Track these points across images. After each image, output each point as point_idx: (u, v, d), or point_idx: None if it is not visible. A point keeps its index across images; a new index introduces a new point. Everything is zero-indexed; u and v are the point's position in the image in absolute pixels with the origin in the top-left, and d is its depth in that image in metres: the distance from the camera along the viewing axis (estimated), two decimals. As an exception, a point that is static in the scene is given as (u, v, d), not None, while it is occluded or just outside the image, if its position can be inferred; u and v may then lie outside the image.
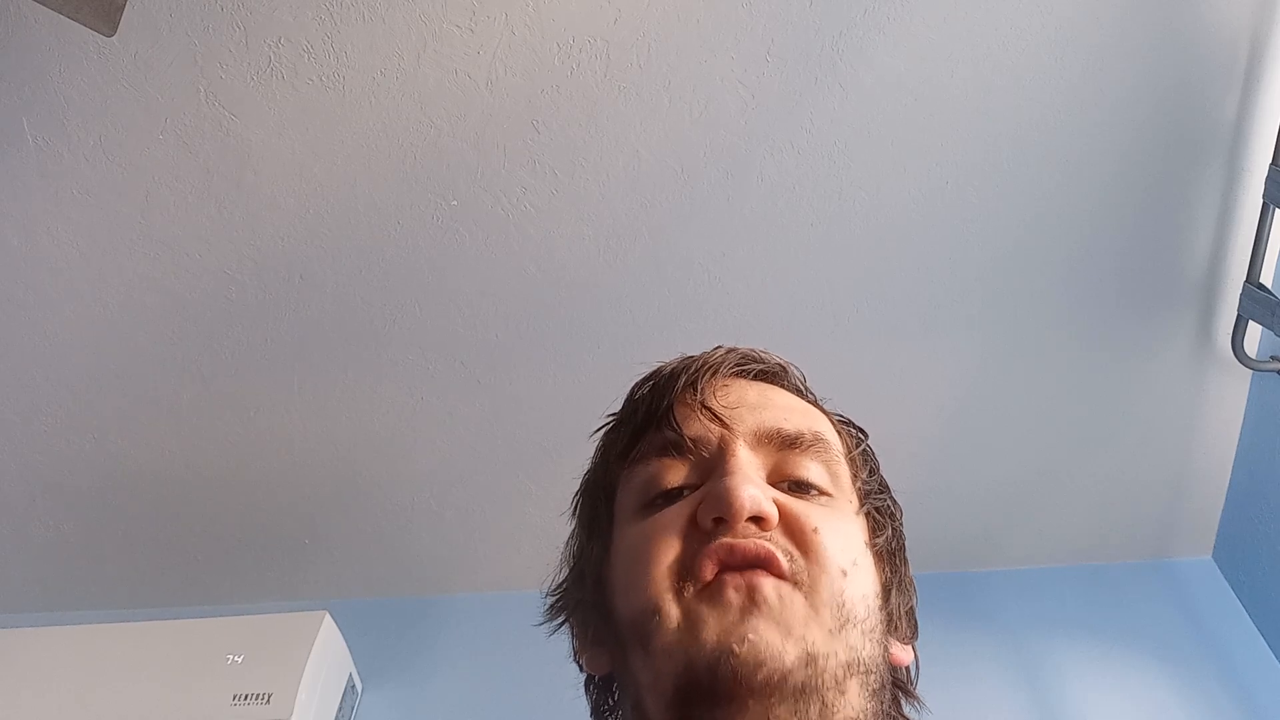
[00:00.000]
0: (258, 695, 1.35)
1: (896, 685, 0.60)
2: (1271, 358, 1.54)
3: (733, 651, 0.49)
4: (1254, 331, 1.53)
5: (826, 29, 1.30)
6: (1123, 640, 1.63)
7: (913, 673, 0.63)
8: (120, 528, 1.67)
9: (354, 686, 1.54)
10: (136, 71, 1.29)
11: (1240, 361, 1.53)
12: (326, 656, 1.45)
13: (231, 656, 1.40)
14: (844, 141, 1.37)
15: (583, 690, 0.68)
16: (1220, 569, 1.76)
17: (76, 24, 1.08)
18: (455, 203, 1.40)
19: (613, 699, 0.65)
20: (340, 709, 1.47)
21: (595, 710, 0.67)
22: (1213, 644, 1.62)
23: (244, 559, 1.71)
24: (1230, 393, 1.62)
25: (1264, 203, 1.40)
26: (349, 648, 1.53)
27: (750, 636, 0.50)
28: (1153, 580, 1.75)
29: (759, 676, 0.49)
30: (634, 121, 1.35)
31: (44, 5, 1.04)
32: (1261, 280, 1.45)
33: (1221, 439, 1.68)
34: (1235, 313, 1.51)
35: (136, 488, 1.63)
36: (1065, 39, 1.32)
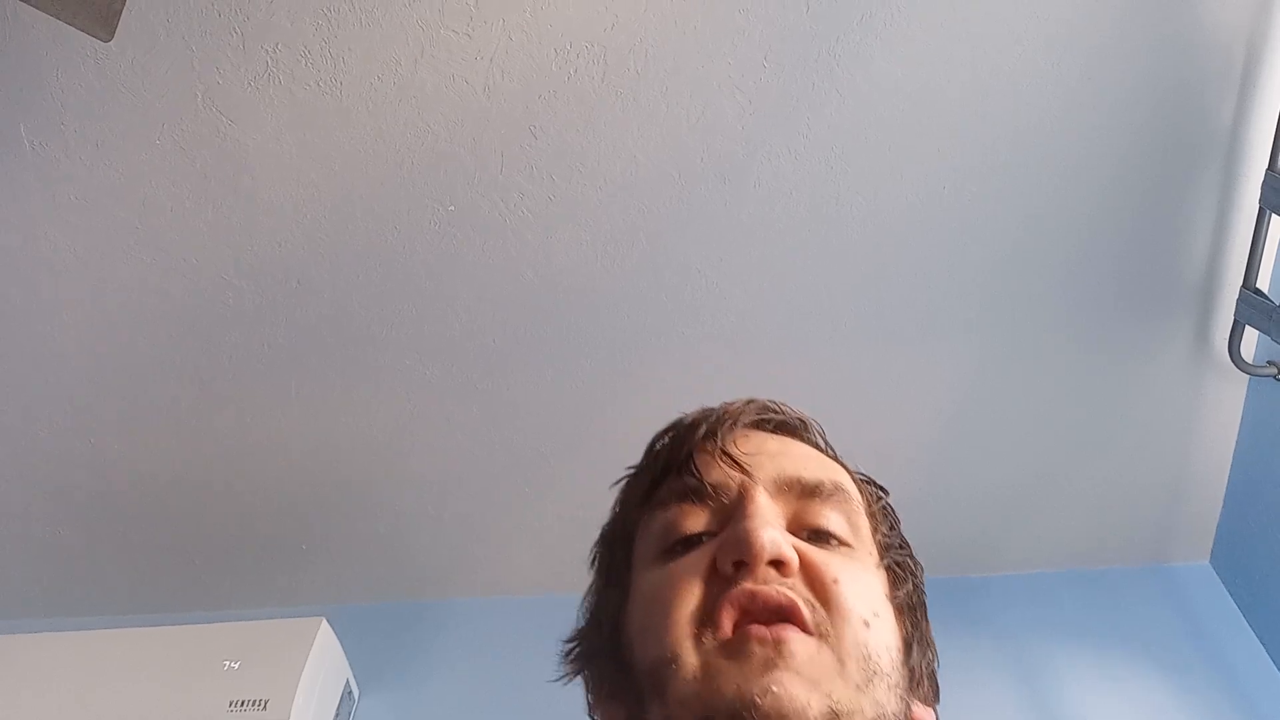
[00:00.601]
0: (254, 701, 1.35)
1: None
2: (1268, 363, 1.55)
3: (754, 704, 0.48)
4: (1251, 336, 1.53)
5: (823, 35, 1.30)
6: (1120, 645, 1.62)
7: None
8: (117, 532, 1.67)
9: (351, 692, 1.54)
10: (134, 76, 1.29)
11: (1237, 367, 1.53)
12: (323, 662, 1.45)
13: (228, 662, 1.40)
14: (841, 147, 1.37)
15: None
16: (1218, 574, 1.76)
17: (74, 29, 1.08)
18: (452, 208, 1.40)
19: None
20: (337, 715, 1.47)
21: None
22: (1210, 649, 1.62)
23: (241, 564, 1.71)
24: (1227, 398, 1.63)
25: (1260, 208, 1.40)
26: (346, 653, 1.52)
27: (774, 689, 0.48)
28: (1150, 585, 1.75)
29: None
30: (631, 127, 1.35)
31: (41, 10, 1.04)
32: (1258, 285, 1.45)
33: (1219, 444, 1.68)
34: (1232, 318, 1.51)
35: (134, 492, 1.63)
36: (1062, 44, 1.33)
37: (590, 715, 0.66)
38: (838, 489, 0.61)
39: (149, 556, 1.69)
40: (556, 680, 0.68)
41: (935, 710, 0.62)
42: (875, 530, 0.62)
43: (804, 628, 0.51)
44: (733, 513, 0.57)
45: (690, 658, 0.51)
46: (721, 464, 0.61)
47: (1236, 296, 1.48)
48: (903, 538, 0.66)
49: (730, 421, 0.64)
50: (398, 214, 1.40)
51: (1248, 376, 1.59)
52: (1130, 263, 1.50)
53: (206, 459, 1.60)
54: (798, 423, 0.68)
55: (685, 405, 0.69)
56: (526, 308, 1.48)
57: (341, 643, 1.51)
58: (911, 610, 0.61)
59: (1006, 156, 1.40)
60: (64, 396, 1.53)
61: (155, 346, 1.49)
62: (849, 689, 0.50)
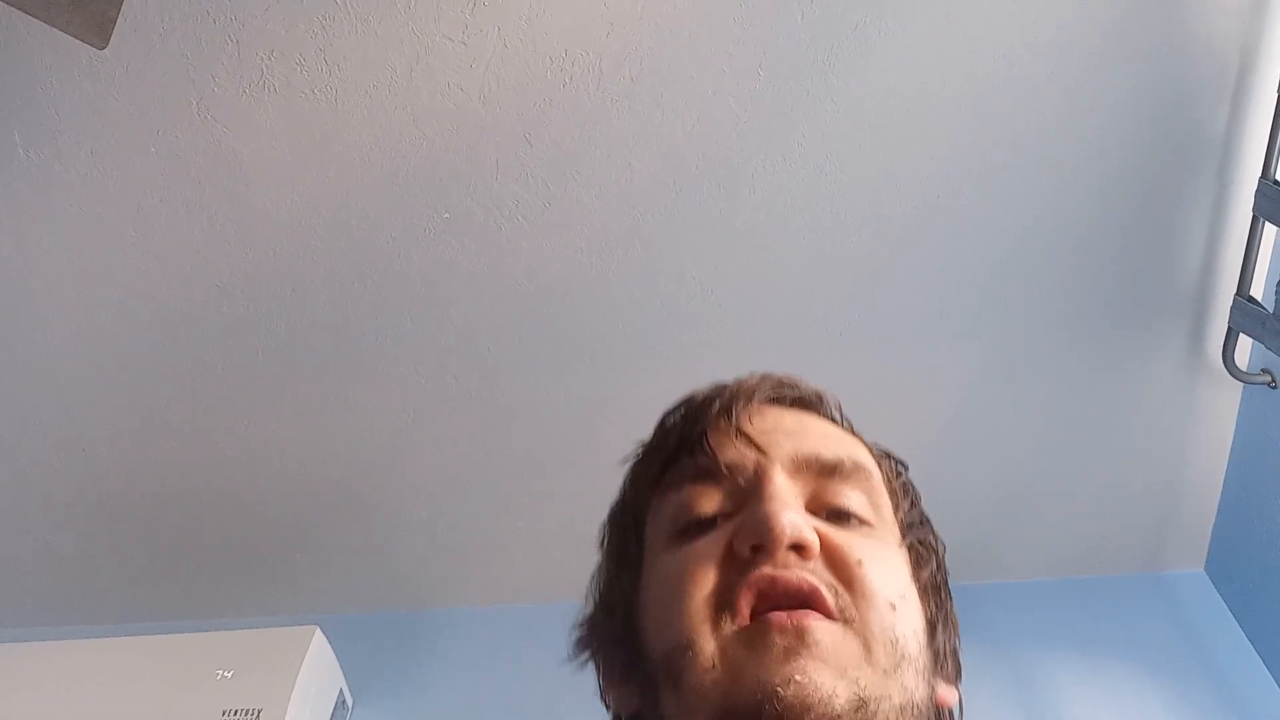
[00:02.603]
0: (248, 711, 1.34)
1: None
2: (1262, 370, 1.55)
3: (777, 694, 0.46)
4: (1244, 344, 1.54)
5: (818, 42, 1.30)
6: (1115, 652, 1.63)
7: (956, 716, 0.60)
8: (111, 541, 1.66)
9: (344, 702, 1.53)
10: (129, 84, 1.28)
11: (1231, 374, 1.54)
12: (317, 671, 1.44)
13: (221, 672, 1.39)
14: (836, 153, 1.38)
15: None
16: (1212, 581, 1.77)
17: (68, 36, 1.08)
18: (448, 215, 1.40)
19: None
20: (331, 724, 1.47)
21: None
22: (1204, 656, 1.62)
23: (234, 573, 1.70)
24: (1221, 405, 1.63)
25: (1254, 216, 1.41)
26: (340, 663, 1.52)
27: (797, 678, 0.46)
28: (1145, 592, 1.75)
29: None
30: (626, 134, 1.35)
31: (35, 17, 1.04)
32: (1251, 293, 1.46)
33: (1213, 451, 1.68)
34: (1226, 325, 1.51)
35: (127, 501, 1.62)
36: (1057, 53, 1.33)
37: (602, 699, 0.64)
38: (858, 467, 0.58)
39: (142, 565, 1.69)
40: (568, 664, 0.66)
41: (958, 688, 0.61)
42: (896, 508, 0.60)
43: (827, 613, 0.49)
44: (749, 494, 0.55)
45: (707, 645, 0.49)
46: (736, 443, 0.58)
47: (1230, 304, 1.49)
48: (924, 514, 0.64)
49: (745, 398, 0.61)
50: (393, 221, 1.40)
51: (1241, 384, 1.59)
52: (1124, 270, 1.50)
53: (199, 467, 1.60)
54: (814, 397, 0.65)
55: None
56: (522, 315, 1.48)
57: (335, 652, 1.51)
58: (936, 590, 0.60)
59: (1001, 164, 1.40)
60: (57, 404, 1.53)
61: (149, 354, 1.49)
62: (876, 675, 0.48)
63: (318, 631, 1.47)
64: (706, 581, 0.52)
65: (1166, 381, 1.60)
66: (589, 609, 0.66)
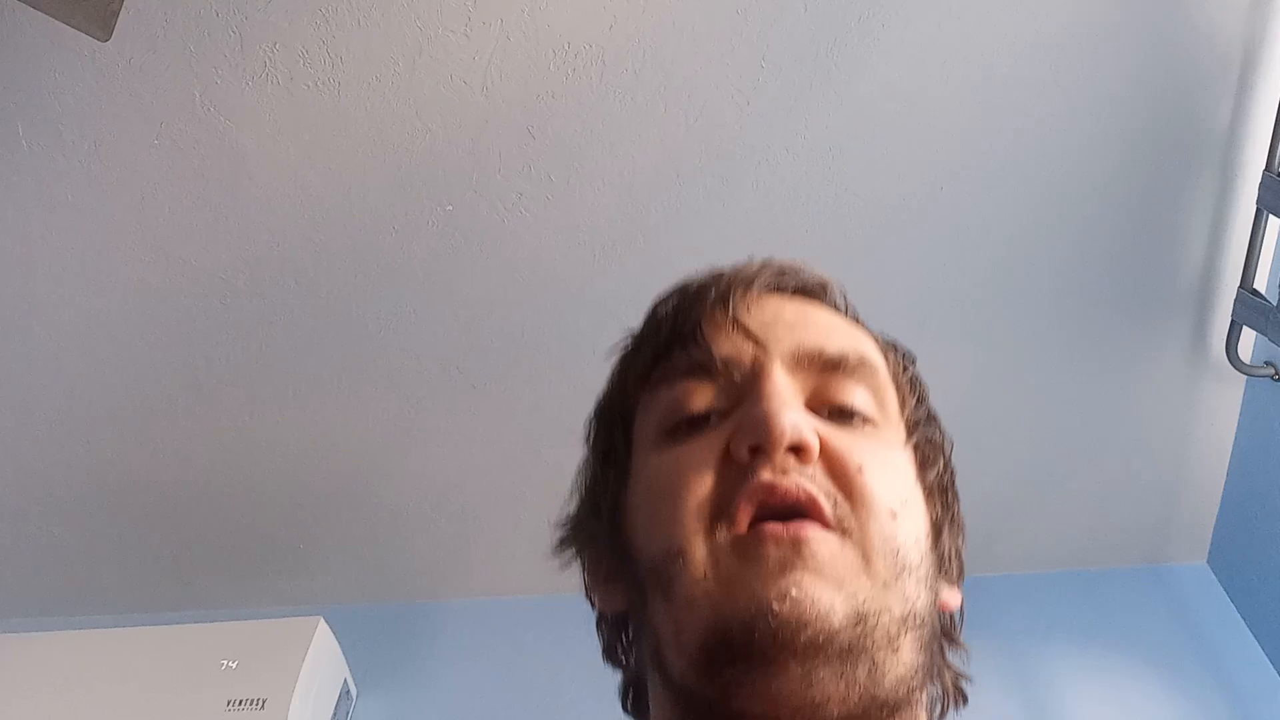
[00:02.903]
0: (252, 701, 1.35)
1: (943, 633, 0.55)
2: (1265, 363, 1.55)
3: (771, 610, 0.43)
4: (1248, 337, 1.53)
5: (821, 37, 1.30)
6: (1118, 645, 1.63)
7: (958, 618, 0.58)
8: (115, 533, 1.66)
9: (349, 692, 1.54)
10: (132, 77, 1.28)
11: (1234, 367, 1.53)
12: (321, 662, 1.45)
13: (226, 662, 1.40)
14: (838, 148, 1.37)
15: (597, 629, 0.63)
16: (1215, 574, 1.77)
17: (71, 29, 1.08)
18: (450, 208, 1.40)
19: (627, 638, 0.60)
20: (335, 714, 1.47)
21: (607, 650, 0.61)
22: (1207, 649, 1.62)
23: (239, 564, 1.71)
24: (1224, 398, 1.63)
25: (1257, 208, 1.40)
26: (344, 653, 1.52)
27: (793, 592, 0.44)
28: (1148, 586, 1.75)
29: (802, 637, 0.43)
30: (629, 127, 1.35)
31: (38, 10, 1.04)
32: (1255, 286, 1.46)
33: (1216, 444, 1.68)
34: (1229, 318, 1.51)
35: (131, 493, 1.62)
36: (1059, 46, 1.33)
37: (587, 597, 0.61)
38: (863, 362, 0.55)
39: (147, 557, 1.69)
40: (552, 556, 0.63)
41: (960, 589, 0.58)
42: (903, 404, 0.57)
43: (824, 523, 0.46)
44: (746, 391, 0.52)
45: (699, 553, 0.47)
46: (733, 335, 0.54)
47: (1234, 297, 1.48)
48: (931, 410, 0.61)
49: (743, 286, 0.57)
50: (396, 214, 1.40)
51: (1245, 377, 1.59)
52: (1127, 263, 1.50)
53: (204, 459, 1.60)
54: (818, 285, 0.61)
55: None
56: (524, 307, 1.48)
57: (339, 642, 1.51)
58: (943, 491, 0.57)
59: (1004, 157, 1.40)
60: (61, 396, 1.53)
61: (152, 346, 1.49)
62: (875, 587, 0.46)
63: (322, 622, 1.47)
64: (701, 487, 0.49)
65: (1170, 374, 1.60)
66: (573, 505, 0.64)
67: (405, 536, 1.70)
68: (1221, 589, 1.74)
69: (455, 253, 1.43)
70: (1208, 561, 1.79)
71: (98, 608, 1.71)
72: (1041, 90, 1.35)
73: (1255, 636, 1.64)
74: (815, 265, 0.62)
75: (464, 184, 1.38)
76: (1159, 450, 1.68)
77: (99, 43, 1.12)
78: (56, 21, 1.07)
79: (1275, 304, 1.42)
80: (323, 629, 1.47)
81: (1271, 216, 1.40)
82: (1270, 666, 1.59)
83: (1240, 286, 1.47)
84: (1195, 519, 1.76)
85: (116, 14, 1.09)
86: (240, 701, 1.35)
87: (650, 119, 1.34)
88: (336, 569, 1.73)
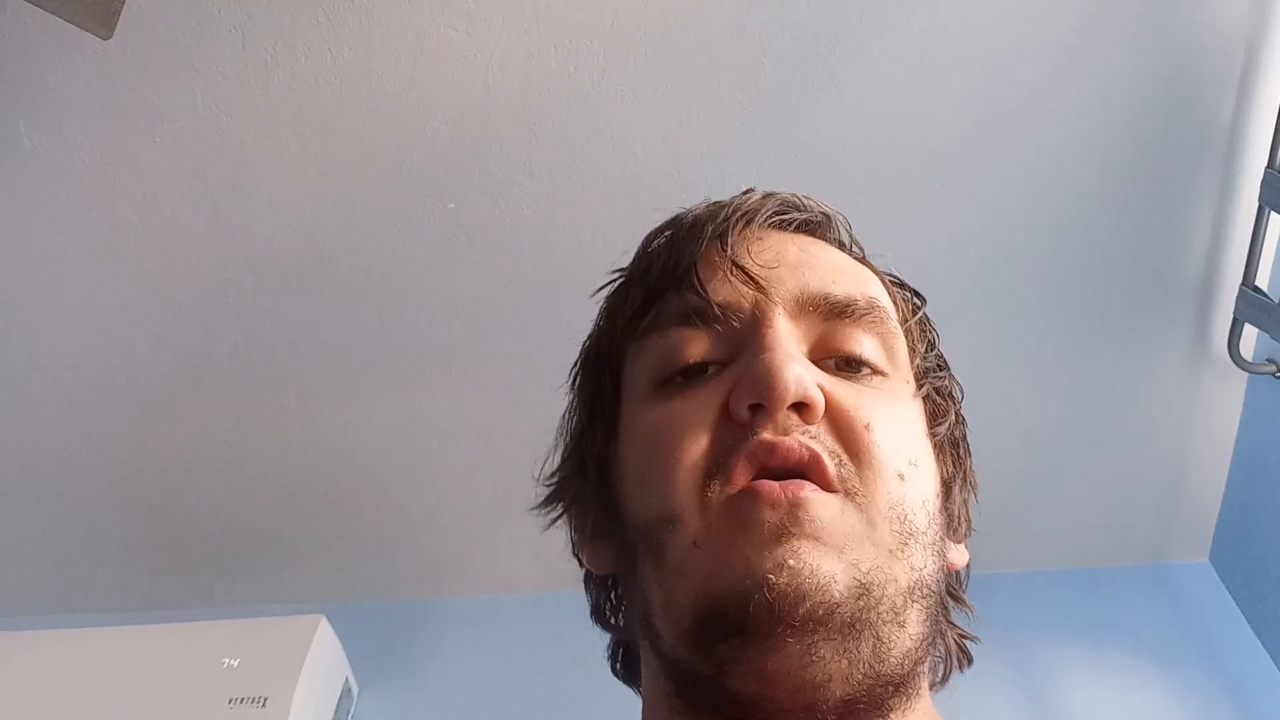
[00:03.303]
0: (253, 699, 1.35)
1: (949, 591, 0.52)
2: (1268, 360, 1.55)
3: (767, 581, 0.40)
4: (1250, 334, 1.53)
5: (823, 33, 1.30)
6: (1119, 644, 1.62)
7: (963, 575, 0.55)
8: (116, 531, 1.66)
9: (350, 690, 1.54)
10: (133, 74, 1.28)
11: (1236, 365, 1.53)
12: (322, 660, 1.44)
13: (227, 660, 1.39)
14: (840, 143, 1.37)
15: (585, 587, 0.61)
16: (1217, 572, 1.76)
17: (73, 26, 1.08)
18: (452, 206, 1.40)
19: (614, 598, 0.57)
20: (336, 713, 1.47)
21: (595, 610, 0.59)
22: (1209, 647, 1.62)
23: (240, 562, 1.71)
24: (1226, 396, 1.63)
25: (1260, 205, 1.40)
26: (345, 651, 1.52)
27: (790, 561, 0.41)
28: (1149, 583, 1.75)
29: (800, 611, 0.40)
30: (631, 124, 1.35)
31: (40, 7, 1.04)
32: (1257, 283, 1.45)
33: (1218, 442, 1.68)
34: (1231, 316, 1.51)
35: (132, 490, 1.62)
36: (1061, 41, 1.32)
37: (574, 554, 0.59)
38: (872, 306, 0.51)
39: (147, 554, 1.69)
40: (534, 510, 0.60)
41: (967, 546, 0.56)
42: (913, 352, 0.53)
43: (826, 484, 0.43)
44: (746, 340, 0.48)
45: (692, 517, 0.44)
46: (732, 278, 0.50)
47: (1236, 294, 1.48)
48: (942, 358, 0.57)
49: (743, 222, 0.54)
50: (397, 212, 1.40)
51: (1247, 374, 1.59)
52: (1128, 260, 1.50)
53: (205, 456, 1.60)
54: (823, 220, 0.57)
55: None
56: (526, 305, 1.48)
57: (341, 640, 1.51)
58: (954, 446, 0.54)
59: (1005, 154, 1.40)
60: (62, 394, 1.53)
61: (154, 343, 1.49)
62: (880, 554, 0.43)
63: (323, 620, 1.47)
64: (696, 446, 0.45)
65: (1171, 372, 1.60)
66: (558, 458, 0.61)
67: (407, 534, 1.70)
68: (1223, 586, 1.74)
69: (457, 250, 1.43)
70: (1209, 559, 1.79)
71: (98, 605, 1.71)
72: (1043, 87, 1.35)
73: (1257, 634, 1.64)
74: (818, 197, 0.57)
75: (466, 181, 1.38)
76: (1160, 447, 1.68)
77: (101, 40, 1.12)
78: (58, 19, 1.07)
79: (1277, 301, 1.42)
80: (324, 627, 1.47)
81: (1273, 213, 1.40)
82: (1272, 664, 1.59)
83: (1242, 284, 1.47)
84: (1197, 516, 1.76)
85: (118, 12, 1.09)
86: (241, 699, 1.35)
87: (652, 116, 1.34)
88: (338, 567, 1.73)
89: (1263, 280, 1.46)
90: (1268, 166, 1.37)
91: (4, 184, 1.35)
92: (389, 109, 1.32)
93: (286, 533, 1.69)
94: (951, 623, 0.54)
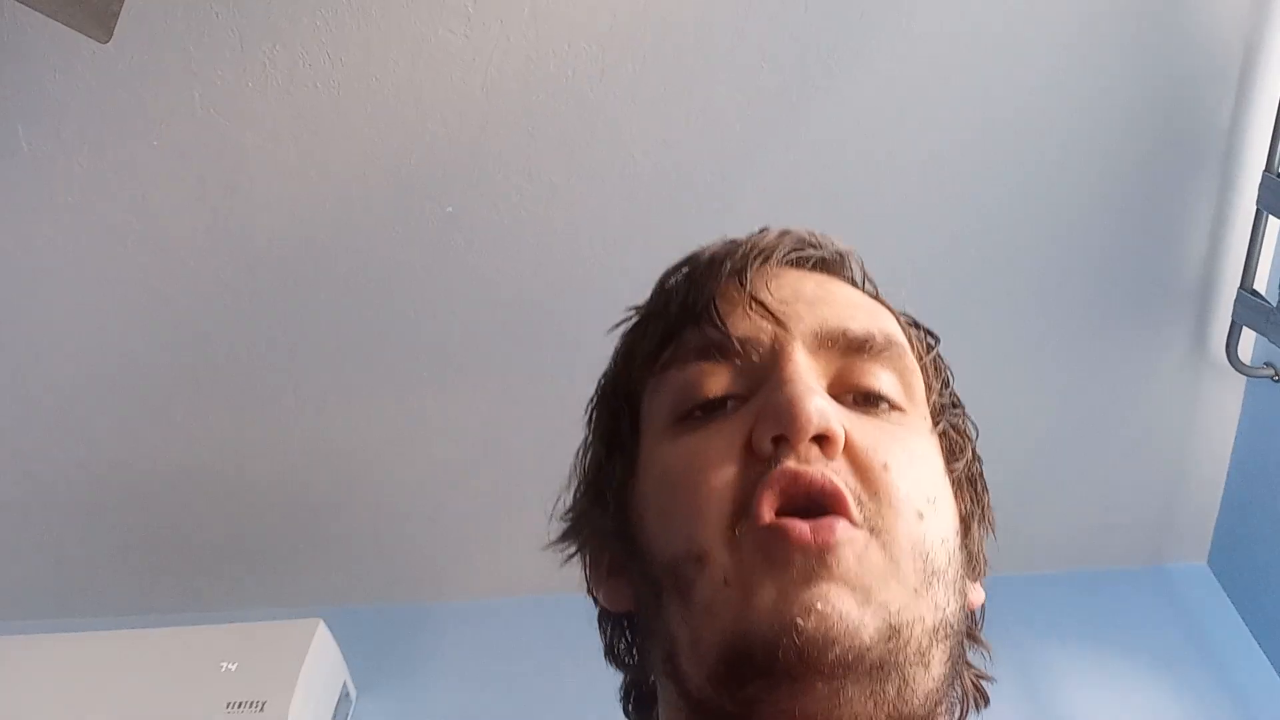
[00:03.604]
0: (252, 703, 1.35)
1: (966, 632, 0.51)
2: (1265, 364, 1.55)
3: (796, 626, 0.40)
4: (1248, 337, 1.53)
5: (822, 35, 1.30)
6: (1118, 646, 1.62)
7: (979, 615, 0.55)
8: (114, 534, 1.66)
9: (348, 694, 1.53)
10: (131, 77, 1.28)
11: (1234, 368, 1.53)
12: (320, 664, 1.44)
13: (225, 664, 1.39)
14: (840, 145, 1.38)
15: (599, 626, 0.60)
16: (1215, 575, 1.76)
17: (71, 30, 1.08)
18: (450, 209, 1.40)
19: (628, 638, 0.57)
20: (335, 716, 1.47)
21: (610, 650, 0.58)
22: (1207, 650, 1.62)
23: (238, 566, 1.70)
24: (1225, 399, 1.63)
25: (1258, 209, 1.40)
26: (343, 654, 1.52)
27: (819, 606, 0.41)
28: (1148, 586, 1.75)
29: (830, 655, 0.40)
30: (629, 126, 1.35)
31: (38, 11, 1.04)
32: (1255, 287, 1.46)
33: (1216, 445, 1.68)
34: (1229, 319, 1.51)
35: (130, 494, 1.62)
36: (1059, 45, 1.33)
37: (589, 593, 0.58)
38: (889, 342, 0.51)
39: (146, 558, 1.69)
40: (548, 548, 0.59)
41: (982, 584, 0.55)
42: (929, 389, 0.53)
43: (850, 519, 0.43)
44: (765, 374, 0.48)
45: (720, 556, 0.43)
46: (750, 313, 0.50)
47: (1234, 298, 1.48)
48: (956, 395, 0.58)
49: (760, 258, 0.53)
50: (395, 214, 1.40)
51: (1245, 378, 1.59)
52: (1127, 263, 1.50)
53: (203, 460, 1.60)
54: (839, 258, 0.57)
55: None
56: (525, 307, 1.48)
57: (339, 644, 1.51)
58: (972, 483, 0.55)
59: (1003, 156, 1.40)
60: (60, 397, 1.53)
61: (151, 346, 1.49)
62: (905, 594, 0.43)
63: (321, 624, 1.47)
64: (721, 481, 0.45)
65: (1170, 375, 1.60)
66: (575, 493, 0.60)
67: (405, 538, 1.70)
68: (1221, 589, 1.74)
69: (455, 252, 1.43)
70: (1208, 562, 1.79)
71: (96, 609, 1.71)
72: (1042, 90, 1.35)
73: (1255, 637, 1.64)
74: (834, 236, 0.58)
75: (464, 184, 1.38)
76: (1159, 451, 1.68)
77: (99, 44, 1.12)
78: (56, 22, 1.07)
79: (1275, 305, 1.42)
80: (322, 631, 1.47)
81: (1271, 217, 1.40)
82: (1270, 667, 1.59)
83: (1240, 287, 1.47)
84: (1195, 519, 1.76)
85: (116, 15, 1.09)
86: (240, 703, 1.35)
87: (650, 118, 1.34)
88: (336, 571, 1.72)
89: (1260, 284, 1.46)
90: (1266, 170, 1.37)
91: (2, 186, 1.35)
92: (387, 112, 1.32)
93: (285, 536, 1.69)
94: (968, 663, 0.54)
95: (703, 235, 1.53)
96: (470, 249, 1.43)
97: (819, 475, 0.43)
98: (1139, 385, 1.61)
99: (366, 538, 1.69)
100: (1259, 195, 1.39)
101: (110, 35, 1.09)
